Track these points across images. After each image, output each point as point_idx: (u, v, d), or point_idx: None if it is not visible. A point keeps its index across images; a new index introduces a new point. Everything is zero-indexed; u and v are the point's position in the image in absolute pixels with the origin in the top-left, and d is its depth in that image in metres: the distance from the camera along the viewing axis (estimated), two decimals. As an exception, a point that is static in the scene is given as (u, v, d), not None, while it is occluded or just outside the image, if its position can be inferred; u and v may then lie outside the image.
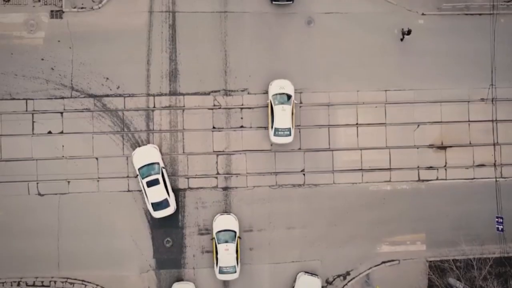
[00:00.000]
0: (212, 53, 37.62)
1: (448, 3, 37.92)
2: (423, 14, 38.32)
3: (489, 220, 37.36)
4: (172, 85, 37.53)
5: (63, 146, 36.86)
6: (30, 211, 36.73)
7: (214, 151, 37.52)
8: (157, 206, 35.86)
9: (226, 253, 35.87)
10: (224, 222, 36.63)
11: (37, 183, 36.76)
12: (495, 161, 38.15)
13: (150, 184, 35.63)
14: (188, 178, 37.43)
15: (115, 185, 36.99)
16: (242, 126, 37.62)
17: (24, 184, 36.69)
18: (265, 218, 37.65)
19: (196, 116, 37.41)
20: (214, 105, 37.62)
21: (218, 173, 37.58)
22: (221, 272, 36.41)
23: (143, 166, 35.81)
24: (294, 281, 37.03)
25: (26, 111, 36.84)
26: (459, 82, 38.33)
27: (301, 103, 37.51)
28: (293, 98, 36.68)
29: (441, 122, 38.26)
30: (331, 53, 38.01)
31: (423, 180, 38.22)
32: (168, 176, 36.56)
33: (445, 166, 38.31)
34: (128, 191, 37.06)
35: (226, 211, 37.47)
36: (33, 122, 36.79)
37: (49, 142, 36.82)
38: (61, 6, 36.99)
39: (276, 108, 36.35)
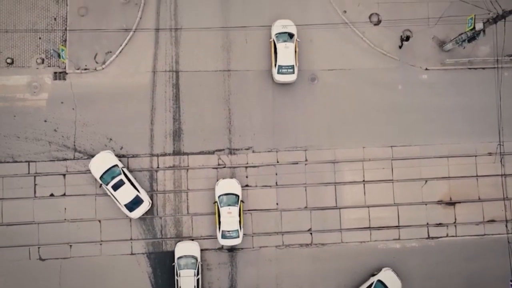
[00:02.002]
0: (216, 112, 37.46)
1: (451, 58, 37.98)
2: (426, 69, 38.33)
3: (503, 277, 36.34)
4: (176, 145, 37.19)
5: (65, 208, 36.20)
6: (31, 276, 35.77)
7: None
8: (131, 205, 35.13)
9: (229, 216, 35.44)
10: (227, 185, 36.07)
11: (39, 247, 35.96)
12: (506, 216, 37.46)
13: (116, 187, 34.96)
14: (192, 239, 36.65)
15: (118, 248, 36.13)
16: (247, 185, 37.02)
17: (25, 249, 35.87)
18: (272, 279, 36.60)
19: (201, 176, 36.96)
20: (218, 164, 37.18)
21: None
22: (223, 236, 35.72)
23: (103, 174, 35.11)
24: None
25: (28, 173, 36.39)
26: (465, 136, 37.96)
27: (306, 160, 37.21)
28: (295, 37, 36.84)
29: (449, 177, 37.71)
30: (336, 109, 37.82)
31: (432, 237, 37.35)
32: (134, 178, 35.95)
33: (454, 222, 37.52)
34: (132, 254, 36.16)
35: (232, 275, 36.71)
36: (35, 185, 36.28)
37: (51, 205, 36.20)
38: (65, 68, 37.05)
39: (279, 46, 36.59)
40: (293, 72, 36.94)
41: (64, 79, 37.26)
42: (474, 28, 33.78)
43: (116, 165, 35.39)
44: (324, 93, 37.97)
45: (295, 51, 36.96)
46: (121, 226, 36.36)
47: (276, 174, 37.23)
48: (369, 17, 38.49)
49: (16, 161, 36.40)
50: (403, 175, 37.57)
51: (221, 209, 35.69)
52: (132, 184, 35.37)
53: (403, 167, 37.55)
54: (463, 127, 38.16)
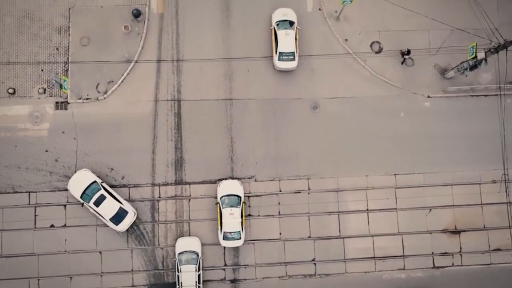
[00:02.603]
0: (218, 141, 37.26)
1: (453, 86, 37.93)
2: (428, 96, 38.26)
3: (510, 308, 35.93)
4: (177, 174, 36.91)
5: (65, 240, 35.75)
6: (30, 309, 35.38)
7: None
8: (117, 218, 34.75)
9: (231, 217, 35.16)
10: (229, 187, 35.93)
11: (39, 279, 35.39)
12: None
13: (98, 202, 34.65)
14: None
15: (119, 280, 35.57)
16: (249, 215, 36.63)
17: (25, 281, 35.31)
18: (275, 311, 36.15)
19: (203, 206, 36.60)
20: (220, 194, 36.98)
21: (225, 265, 36.25)
22: (225, 238, 35.43)
23: (83, 193, 34.76)
24: None
25: (29, 204, 36.03)
26: (469, 164, 37.68)
27: (309, 188, 36.91)
28: (296, 24, 37.24)
29: (453, 205, 37.31)
30: (338, 137, 37.62)
31: (438, 267, 36.77)
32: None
33: (460, 251, 37.01)
34: (133, 286, 35.59)
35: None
36: (35, 215, 35.88)
37: (52, 236, 35.74)
38: (66, 98, 37.00)
39: (280, 33, 37.01)
40: (294, 59, 37.15)
41: (66, 108, 37.17)
42: (475, 57, 33.80)
43: (95, 181, 35.11)
44: (326, 121, 37.83)
45: (296, 39, 37.28)
46: (122, 257, 35.86)
47: (279, 203, 36.89)
48: (371, 46, 38.56)
49: (16, 192, 36.09)
50: (407, 203, 37.20)
51: (223, 210, 35.35)
52: (114, 197, 35.14)
53: (407, 195, 37.18)
54: (466, 154, 37.93)
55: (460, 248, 37.09)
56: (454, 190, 37.51)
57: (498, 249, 37.24)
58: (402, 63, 38.30)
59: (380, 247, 36.78)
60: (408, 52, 37.58)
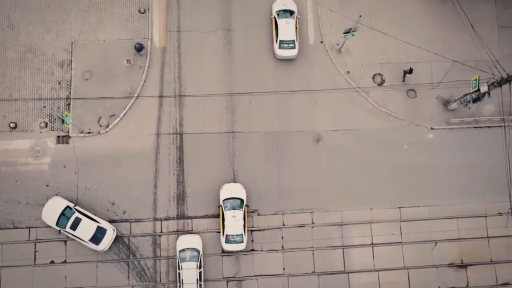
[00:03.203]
0: (220, 174, 36.90)
1: (456, 118, 37.80)
2: (432, 128, 38.07)
3: None
4: (179, 208, 36.45)
5: (65, 276, 35.10)
6: None
7: (224, 277, 35.69)
8: (96, 238, 34.38)
9: (233, 220, 34.93)
10: (232, 190, 35.85)
11: (37, 317, 34.87)
12: (519, 279, 36.42)
13: (74, 226, 34.31)
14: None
15: (120, 318, 35.08)
16: (252, 250, 36.08)
17: (24, 319, 34.82)
18: None
19: (206, 240, 36.01)
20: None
21: (228, 301, 35.70)
22: (227, 241, 35.13)
23: (58, 220, 34.36)
24: None
25: (29, 240, 35.51)
26: (474, 196, 37.28)
27: (313, 222, 36.43)
28: (296, 13, 37.96)
29: (459, 239, 36.75)
30: (341, 170, 37.29)
31: (445, 302, 36.29)
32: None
33: (467, 286, 36.27)
34: (134, 323, 35.07)
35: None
36: (35, 251, 35.31)
37: (52, 273, 35.10)
38: (68, 132, 36.85)
39: (280, 22, 37.65)
40: (294, 47, 37.61)
41: (67, 142, 36.98)
42: (478, 89, 33.71)
43: (68, 206, 34.82)
44: (330, 154, 37.57)
45: (296, 27, 37.60)
46: (123, 294, 35.35)
47: (282, 237, 36.35)
48: (373, 78, 38.58)
49: (16, 227, 35.61)
50: (412, 237, 36.65)
51: (225, 213, 35.12)
52: (89, 218, 34.77)
53: (412, 229, 36.67)
54: (471, 187, 37.53)
55: (467, 282, 36.37)
56: (460, 223, 37.02)
57: (506, 283, 36.53)
58: (403, 81, 38.32)
59: (386, 281, 36.09)
60: (411, 71, 37.49)
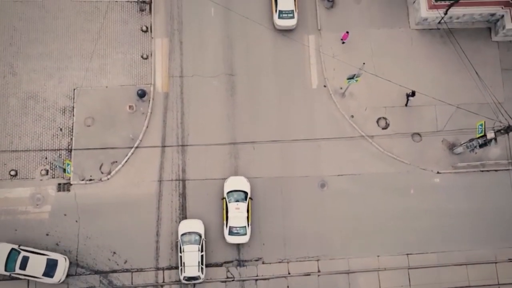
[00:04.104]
0: (223, 222, 36.29)
1: (462, 162, 37.33)
2: (438, 172, 37.58)
3: None
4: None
5: (64, 329, 34.23)
6: None
7: (228, 330, 34.83)
8: (49, 271, 33.53)
9: (237, 212, 34.94)
10: (236, 182, 36.00)
11: None
12: (533, 328, 35.33)
13: (23, 265, 33.39)
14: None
15: None
16: (257, 300, 35.27)
17: None
18: None
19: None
20: (227, 277, 35.35)
21: None
22: (230, 233, 35.12)
23: (5, 264, 33.39)
24: None
25: (12, 289, 34.76)
26: (483, 242, 36.55)
27: (319, 271, 35.51)
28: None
29: (469, 286, 35.81)
30: (347, 216, 36.60)
31: None
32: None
33: (479, 336, 35.38)
34: None
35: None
36: (27, 303, 34.50)
37: (49, 326, 34.23)
38: (69, 179, 36.32)
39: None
40: (293, 17, 38.54)
41: (68, 190, 36.38)
42: (485, 135, 33.36)
43: (12, 249, 34.00)
44: (335, 199, 36.95)
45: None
46: None
47: (288, 286, 35.38)
48: (377, 121, 38.29)
49: (13, 278, 34.46)
50: (421, 284, 35.69)
51: (229, 205, 35.18)
52: (37, 253, 33.98)
53: (420, 276, 35.78)
54: (480, 232, 36.81)
55: (479, 332, 35.45)
56: (469, 270, 36.12)
57: (519, 333, 35.60)
58: (405, 104, 38.14)
59: (395, 332, 35.15)
60: (413, 93, 37.29)
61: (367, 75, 37.13)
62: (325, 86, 38.86)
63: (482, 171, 37.86)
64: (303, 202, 36.83)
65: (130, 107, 37.46)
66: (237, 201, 35.20)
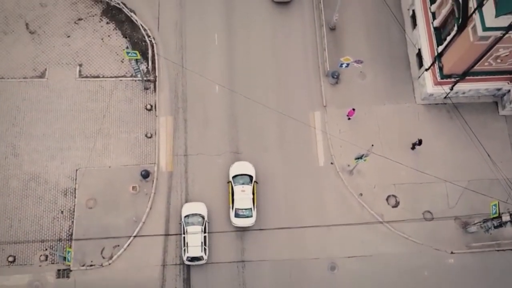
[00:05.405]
0: (230, 308, 34.70)
1: (477, 241, 36.03)
2: (452, 252, 36.17)
3: None
4: None
5: None
6: None
7: None
8: None
9: (243, 194, 35.51)
10: (241, 167, 36.77)
11: None
12: None
13: None
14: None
15: None
16: None
17: None
18: None
19: None
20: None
21: None
22: (236, 215, 35.51)
23: None
24: None
25: None
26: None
27: None
28: None
29: None
30: (359, 300, 35.11)
31: None
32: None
33: None
34: None
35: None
36: None
37: None
38: (69, 265, 34.92)
39: None
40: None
41: (68, 277, 34.80)
42: (499, 216, 32.33)
43: None
44: (346, 282, 35.32)
45: None
46: None
47: None
48: (387, 199, 37.27)
49: None
50: None
51: (234, 188, 35.80)
52: None
53: None
54: (498, 314, 35.20)
55: None
56: None
57: None
58: (412, 149, 37.74)
59: None
60: (420, 142, 36.63)
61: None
62: (332, 163, 38.15)
63: (498, 250, 36.53)
64: (313, 285, 35.08)
65: (133, 188, 36.57)
66: (243, 184, 35.63)
